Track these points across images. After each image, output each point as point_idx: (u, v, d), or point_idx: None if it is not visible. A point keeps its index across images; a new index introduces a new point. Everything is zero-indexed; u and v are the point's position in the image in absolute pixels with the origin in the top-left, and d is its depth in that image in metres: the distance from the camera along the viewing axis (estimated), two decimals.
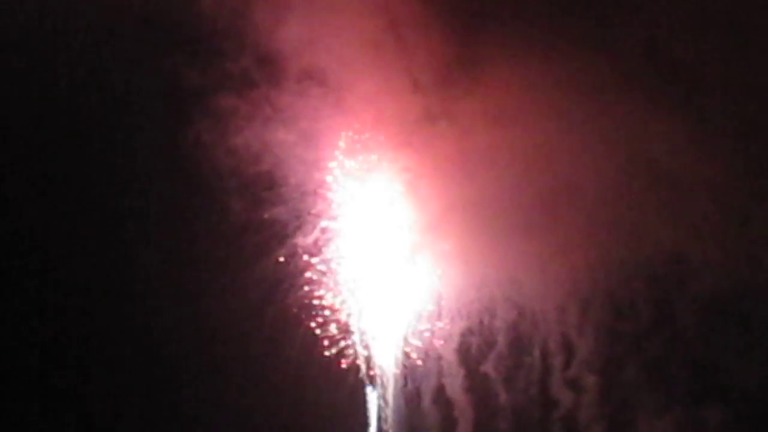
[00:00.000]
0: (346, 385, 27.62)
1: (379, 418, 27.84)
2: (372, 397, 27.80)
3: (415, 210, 27.39)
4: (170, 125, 27.21)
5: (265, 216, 27.34)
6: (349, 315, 27.67)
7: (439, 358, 27.86)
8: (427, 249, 27.49)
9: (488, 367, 27.78)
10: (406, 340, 27.75)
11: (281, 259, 27.37)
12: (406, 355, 27.81)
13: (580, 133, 26.25)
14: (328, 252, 27.59)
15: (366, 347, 27.72)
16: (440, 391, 27.93)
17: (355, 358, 27.60)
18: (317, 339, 27.44)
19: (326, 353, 27.42)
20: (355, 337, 27.67)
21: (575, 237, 26.49)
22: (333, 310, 27.62)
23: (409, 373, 27.87)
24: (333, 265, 27.63)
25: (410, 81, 26.57)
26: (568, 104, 26.15)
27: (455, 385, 27.82)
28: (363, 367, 27.67)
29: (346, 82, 26.89)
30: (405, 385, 27.90)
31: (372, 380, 27.72)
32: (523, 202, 26.38)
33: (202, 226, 27.54)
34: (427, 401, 27.92)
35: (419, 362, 27.81)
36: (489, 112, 26.54)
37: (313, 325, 27.50)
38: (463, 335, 27.79)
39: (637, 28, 26.70)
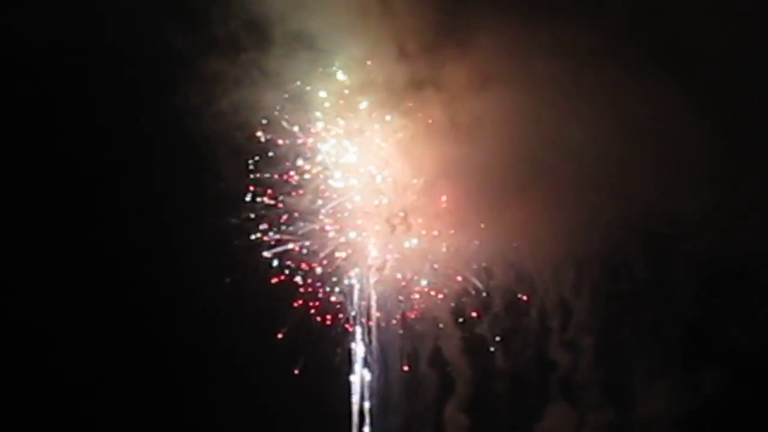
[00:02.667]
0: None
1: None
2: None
3: (406, 173, 27.63)
4: (157, 90, 27.46)
5: (255, 179, 27.80)
6: (343, 280, 28.15)
7: (435, 319, 28.31)
8: (421, 211, 27.75)
9: (484, 329, 28.32)
10: (401, 302, 28.20)
11: (272, 224, 27.89)
12: (403, 317, 28.31)
13: (570, 96, 26.58)
14: (321, 215, 27.94)
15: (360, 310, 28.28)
16: (437, 353, 28.45)
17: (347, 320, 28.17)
18: (312, 307, 27.92)
19: (318, 318, 27.92)
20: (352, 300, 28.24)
21: (568, 198, 26.86)
22: (327, 275, 28.05)
23: (405, 336, 28.40)
24: (326, 228, 27.97)
25: (396, 47, 26.65)
26: (556, 68, 26.44)
27: (451, 347, 28.33)
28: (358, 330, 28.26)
29: (333, 47, 27.10)
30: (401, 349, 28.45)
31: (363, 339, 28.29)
32: (515, 164, 26.80)
33: (190, 191, 27.93)
34: (423, 363, 28.38)
35: (415, 325, 28.31)
36: (476, 78, 26.84)
37: (306, 293, 27.99)
38: (458, 297, 28.24)
39: None
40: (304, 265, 28.01)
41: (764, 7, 26.65)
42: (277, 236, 27.89)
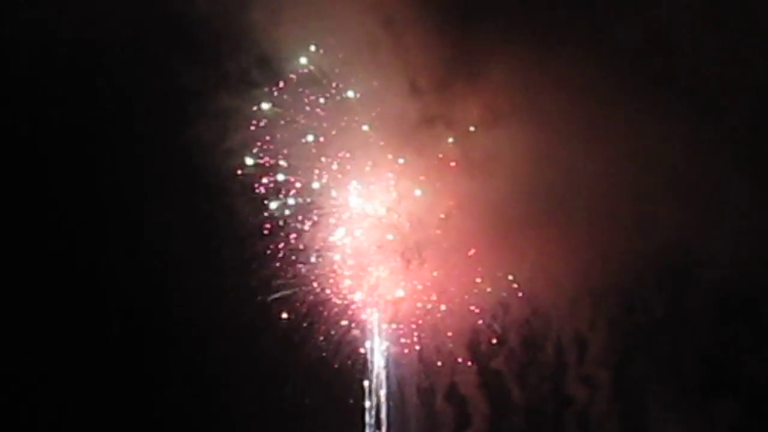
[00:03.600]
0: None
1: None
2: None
3: (419, 208, 27.87)
4: (169, 126, 27.70)
5: (267, 215, 28.06)
6: (355, 310, 28.41)
7: (451, 354, 28.50)
8: (435, 246, 27.96)
9: (500, 364, 28.51)
10: (415, 336, 28.42)
11: (285, 256, 28.13)
12: (418, 351, 28.54)
13: (583, 130, 26.84)
14: (334, 250, 28.16)
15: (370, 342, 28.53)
16: (453, 388, 28.64)
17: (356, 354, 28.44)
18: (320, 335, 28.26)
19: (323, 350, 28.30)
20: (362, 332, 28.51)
21: (582, 232, 27.07)
22: (339, 303, 28.38)
23: (420, 370, 28.59)
24: (339, 263, 28.20)
25: (408, 82, 26.96)
26: (569, 103, 26.75)
27: (467, 382, 28.52)
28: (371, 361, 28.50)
29: (344, 83, 27.40)
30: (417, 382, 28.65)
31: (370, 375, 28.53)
32: (529, 199, 27.03)
33: (204, 226, 28.20)
34: (439, 398, 28.57)
35: (431, 359, 28.51)
36: (488, 113, 27.15)
37: (319, 321, 28.26)
38: (474, 331, 28.45)
39: (637, 25, 26.99)
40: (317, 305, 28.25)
41: None
42: (290, 274, 28.06)
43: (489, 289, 28.31)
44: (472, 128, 27.63)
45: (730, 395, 27.40)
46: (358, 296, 28.41)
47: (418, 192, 27.96)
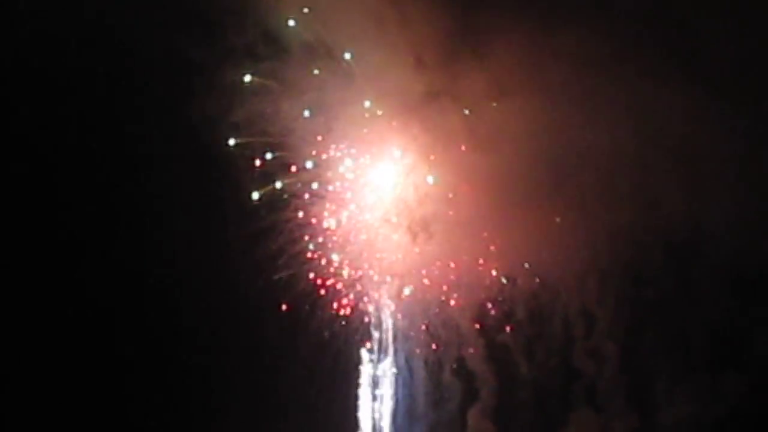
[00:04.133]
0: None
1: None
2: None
3: (426, 182, 27.97)
4: (176, 100, 27.75)
5: (276, 188, 28.15)
6: (362, 288, 28.60)
7: (458, 328, 28.68)
8: (441, 220, 28.08)
9: (507, 338, 28.69)
10: (424, 312, 28.61)
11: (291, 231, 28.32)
12: (426, 326, 28.72)
13: (590, 103, 26.86)
14: (342, 224, 28.33)
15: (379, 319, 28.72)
16: (460, 362, 28.86)
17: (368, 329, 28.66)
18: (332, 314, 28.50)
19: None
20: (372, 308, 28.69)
21: (590, 207, 27.14)
22: (347, 282, 28.56)
23: (428, 343, 28.80)
24: (347, 237, 28.44)
25: (413, 56, 26.96)
26: (575, 75, 26.81)
27: (475, 355, 28.70)
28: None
29: (350, 57, 27.49)
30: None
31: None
32: (536, 173, 27.13)
33: (209, 201, 28.37)
34: (447, 372, 28.79)
35: (439, 333, 28.70)
36: (493, 87, 27.13)
37: (328, 299, 28.51)
38: (481, 305, 28.61)
39: None
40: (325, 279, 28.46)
41: None
42: (296, 249, 28.23)
43: (496, 264, 28.38)
44: (494, 104, 27.61)
45: (737, 370, 27.49)
46: (365, 271, 28.56)
47: (424, 167, 28.00)
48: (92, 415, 28.02)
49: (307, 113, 27.87)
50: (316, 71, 27.79)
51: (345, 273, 28.56)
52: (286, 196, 28.17)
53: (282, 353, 28.19)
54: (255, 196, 27.82)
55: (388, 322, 28.83)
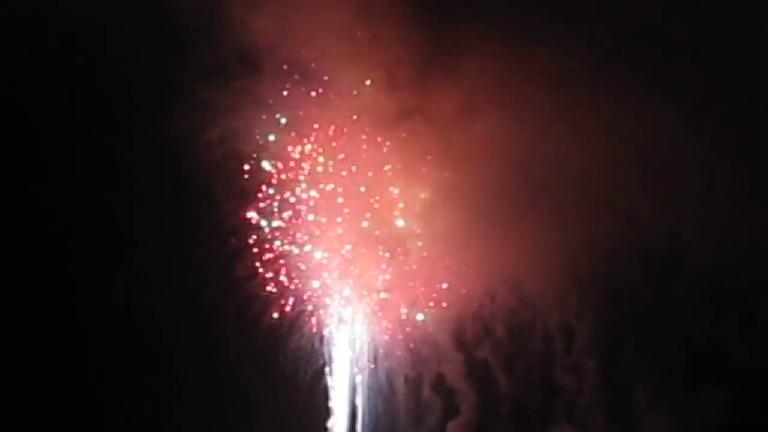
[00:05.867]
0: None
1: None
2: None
3: (400, 199, 28.36)
4: (150, 119, 28.20)
5: (249, 208, 28.64)
6: (340, 301, 28.99)
7: (436, 344, 29.02)
8: (418, 237, 28.44)
9: (487, 353, 29.04)
10: (401, 327, 28.96)
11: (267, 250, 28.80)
12: (405, 342, 29.06)
13: (563, 118, 27.31)
14: (316, 241, 28.72)
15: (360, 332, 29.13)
16: (440, 378, 29.21)
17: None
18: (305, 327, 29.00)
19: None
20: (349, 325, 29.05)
21: (567, 221, 27.51)
22: (323, 298, 28.99)
23: (408, 359, 29.16)
24: (322, 254, 28.80)
25: (386, 75, 27.35)
26: (548, 91, 27.24)
27: (454, 371, 29.06)
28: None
29: (323, 75, 27.87)
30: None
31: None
32: (511, 189, 27.55)
33: (185, 219, 28.83)
34: (426, 388, 29.15)
35: (417, 349, 29.04)
36: (467, 105, 27.53)
37: (308, 314, 28.97)
38: (460, 321, 28.96)
39: (619, 11, 27.16)
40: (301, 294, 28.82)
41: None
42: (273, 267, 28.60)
43: (474, 279, 28.71)
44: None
45: (717, 384, 27.88)
46: (342, 288, 28.93)
47: (396, 185, 28.42)
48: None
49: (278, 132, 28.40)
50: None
51: (321, 290, 28.96)
52: (260, 214, 28.63)
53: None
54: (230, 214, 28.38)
55: (365, 339, 29.19)
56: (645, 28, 27.16)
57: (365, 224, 28.64)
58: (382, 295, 28.83)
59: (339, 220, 28.60)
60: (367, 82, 28.06)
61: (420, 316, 28.81)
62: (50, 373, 28.59)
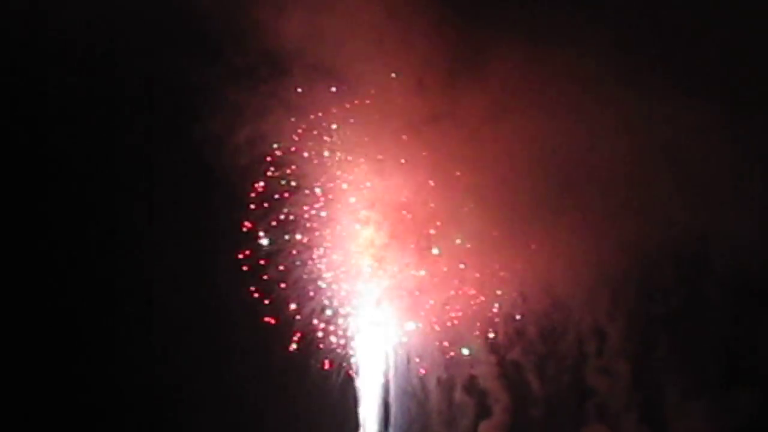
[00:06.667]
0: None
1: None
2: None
3: (430, 203, 28.50)
4: (178, 122, 28.58)
5: (280, 212, 28.90)
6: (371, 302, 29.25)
7: (468, 345, 29.23)
8: (447, 240, 28.59)
9: (518, 354, 29.20)
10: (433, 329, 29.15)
11: (294, 253, 29.01)
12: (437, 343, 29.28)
13: (593, 120, 27.30)
14: (346, 245, 29.05)
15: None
16: (472, 380, 29.43)
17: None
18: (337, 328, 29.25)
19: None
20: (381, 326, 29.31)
21: (598, 223, 27.56)
22: (354, 300, 29.27)
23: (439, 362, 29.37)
24: (351, 258, 29.12)
25: (415, 79, 27.47)
26: (577, 93, 27.31)
27: (487, 374, 29.23)
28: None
29: (352, 78, 28.01)
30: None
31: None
32: (541, 191, 27.55)
33: (213, 222, 29.10)
34: (459, 390, 29.36)
35: (449, 353, 29.25)
36: (495, 107, 27.63)
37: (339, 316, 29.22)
38: (491, 324, 29.14)
39: (647, 9, 27.19)
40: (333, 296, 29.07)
41: None
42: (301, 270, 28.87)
43: (505, 280, 28.85)
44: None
45: (750, 385, 27.91)
46: (373, 289, 29.12)
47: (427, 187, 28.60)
48: None
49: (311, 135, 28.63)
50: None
51: (352, 291, 29.21)
52: (289, 215, 28.91)
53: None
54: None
55: (396, 340, 29.39)
56: (673, 26, 27.24)
57: (396, 226, 28.92)
58: (414, 296, 29.10)
59: (369, 221, 28.91)
60: (393, 75, 28.34)
61: (451, 318, 29.15)
62: (70, 376, 28.98)
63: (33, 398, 28.65)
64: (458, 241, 28.71)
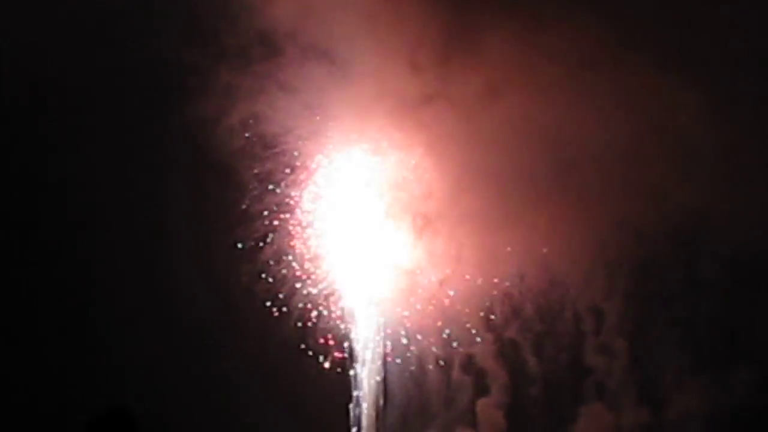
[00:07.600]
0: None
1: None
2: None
3: (427, 182, 28.60)
4: (171, 103, 28.40)
5: (273, 190, 29.03)
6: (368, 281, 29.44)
7: (466, 324, 29.39)
8: (446, 218, 28.70)
9: (516, 333, 29.38)
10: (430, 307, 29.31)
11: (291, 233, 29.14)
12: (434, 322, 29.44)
13: (587, 98, 27.41)
14: (342, 222, 29.18)
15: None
16: (470, 359, 29.63)
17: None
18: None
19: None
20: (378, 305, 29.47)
21: (595, 202, 27.68)
22: (351, 279, 29.44)
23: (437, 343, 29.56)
24: (347, 239, 29.29)
25: (408, 59, 27.45)
26: (571, 72, 27.30)
27: (485, 352, 29.42)
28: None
29: (345, 58, 27.94)
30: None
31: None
32: (537, 170, 27.67)
33: (208, 203, 29.08)
34: (456, 370, 29.56)
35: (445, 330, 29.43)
36: (490, 87, 27.65)
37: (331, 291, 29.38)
38: (489, 301, 29.29)
39: None
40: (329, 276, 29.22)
41: None
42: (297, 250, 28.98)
43: (502, 259, 28.97)
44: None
45: (748, 363, 28.09)
46: (370, 268, 29.25)
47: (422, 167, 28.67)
48: None
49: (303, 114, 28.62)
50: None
51: (349, 271, 29.34)
52: (284, 197, 28.98)
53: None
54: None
55: (393, 319, 29.55)
56: (669, 5, 27.21)
57: (393, 204, 29.01)
58: (411, 275, 29.25)
59: (366, 201, 29.01)
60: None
61: (448, 296, 29.30)
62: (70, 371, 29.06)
63: (32, 397, 28.76)
64: (455, 221, 28.88)
